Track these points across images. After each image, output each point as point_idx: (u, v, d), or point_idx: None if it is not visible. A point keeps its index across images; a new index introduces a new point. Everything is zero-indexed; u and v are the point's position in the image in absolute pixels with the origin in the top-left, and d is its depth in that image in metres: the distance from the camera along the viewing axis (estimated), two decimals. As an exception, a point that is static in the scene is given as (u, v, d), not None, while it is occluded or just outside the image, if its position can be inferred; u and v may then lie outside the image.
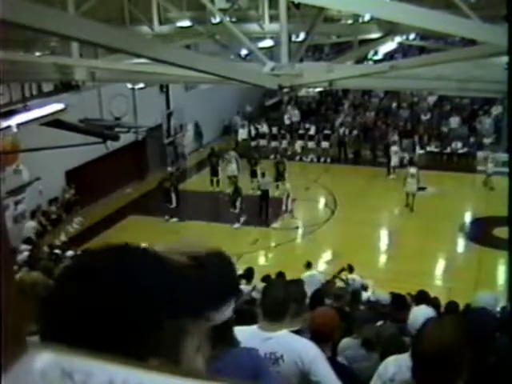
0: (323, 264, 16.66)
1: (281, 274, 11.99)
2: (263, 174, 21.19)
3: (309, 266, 13.97)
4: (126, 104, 17.07)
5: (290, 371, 3.56)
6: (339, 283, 12.52)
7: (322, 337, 4.10)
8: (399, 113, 27.91)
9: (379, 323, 6.94)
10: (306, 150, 26.34)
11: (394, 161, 23.67)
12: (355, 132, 26.52)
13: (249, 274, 12.02)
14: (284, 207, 19.85)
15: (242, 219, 19.49)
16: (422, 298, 9.20)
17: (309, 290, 10.03)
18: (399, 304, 8.28)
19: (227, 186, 21.60)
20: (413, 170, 21.25)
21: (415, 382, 2.56)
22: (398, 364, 3.59)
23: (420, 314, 5.79)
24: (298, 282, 9.72)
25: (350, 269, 13.43)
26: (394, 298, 9.05)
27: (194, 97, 24.64)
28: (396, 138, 25.15)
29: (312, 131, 26.61)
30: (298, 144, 26.36)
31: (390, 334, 5.67)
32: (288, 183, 20.45)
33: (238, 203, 19.51)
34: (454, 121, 26.53)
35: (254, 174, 22.28)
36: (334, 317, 4.38)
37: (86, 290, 0.84)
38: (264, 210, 20.18)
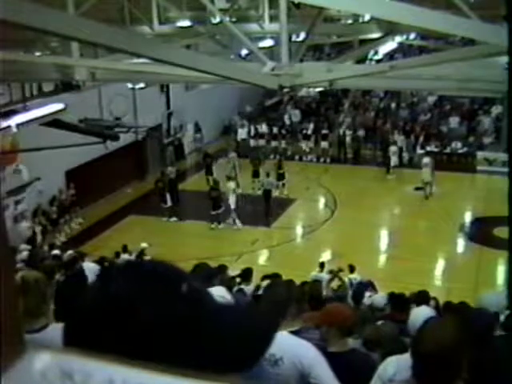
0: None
1: (276, 276, 11.96)
2: (267, 174, 21.19)
3: (322, 266, 13.94)
4: (126, 104, 17.08)
5: (290, 373, 3.55)
6: (337, 282, 12.51)
7: (342, 331, 4.13)
8: (399, 113, 27.91)
9: (380, 323, 6.93)
10: (305, 150, 26.36)
11: (394, 160, 23.70)
12: (356, 132, 26.51)
13: (247, 275, 12.00)
14: (232, 206, 19.65)
15: (216, 222, 19.57)
16: (422, 298, 9.18)
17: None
18: (399, 304, 8.26)
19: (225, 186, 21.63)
20: (426, 159, 22.20)
21: (416, 381, 2.56)
22: (397, 364, 3.59)
23: (420, 314, 5.79)
24: (293, 283, 9.68)
25: (351, 269, 13.41)
26: (394, 298, 9.03)
27: (194, 97, 24.64)
28: (396, 137, 25.16)
29: (312, 131, 26.59)
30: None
31: (391, 334, 5.66)
32: (232, 182, 20.48)
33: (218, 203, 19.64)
34: (454, 121, 26.54)
35: (256, 175, 22.26)
36: (349, 311, 4.43)
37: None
38: (266, 209, 20.24)
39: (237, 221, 19.48)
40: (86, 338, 0.84)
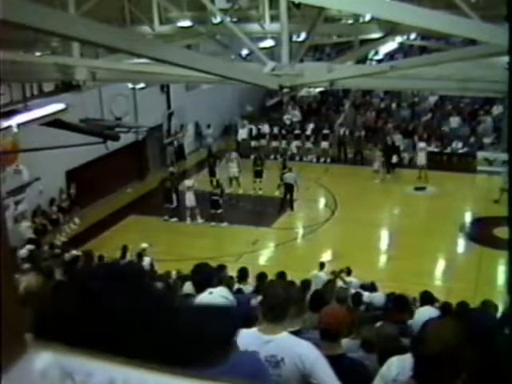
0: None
1: (282, 274, 11.98)
2: (286, 168, 21.49)
3: (322, 266, 13.94)
4: (126, 104, 17.04)
5: (291, 374, 3.54)
6: (340, 283, 12.51)
7: (331, 335, 4.09)
8: (400, 113, 27.90)
9: (378, 324, 6.92)
10: (305, 150, 26.35)
11: (377, 165, 23.30)
12: (357, 132, 26.45)
13: (243, 274, 12.01)
14: (188, 203, 19.94)
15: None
16: (427, 298, 9.17)
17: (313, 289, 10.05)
18: (399, 305, 8.25)
19: (227, 187, 21.62)
20: (422, 144, 23.24)
21: (416, 381, 2.56)
22: (401, 364, 3.59)
23: (425, 314, 5.78)
24: (294, 284, 9.71)
25: (348, 272, 13.43)
26: (393, 298, 9.02)
27: (194, 97, 24.64)
28: (394, 137, 25.03)
29: (312, 131, 26.58)
30: (294, 144, 26.38)
31: (390, 336, 5.65)
32: (192, 179, 20.67)
33: (221, 202, 19.79)
34: (455, 121, 26.51)
35: (258, 174, 22.33)
36: (343, 315, 4.38)
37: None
38: (288, 201, 20.53)
39: (198, 217, 19.84)
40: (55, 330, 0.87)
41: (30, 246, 14.42)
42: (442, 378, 2.46)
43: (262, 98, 28.69)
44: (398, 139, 25.00)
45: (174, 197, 20.25)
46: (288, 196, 20.59)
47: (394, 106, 28.25)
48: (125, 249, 14.87)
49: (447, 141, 25.61)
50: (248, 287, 11.34)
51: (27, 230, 16.99)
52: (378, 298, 10.29)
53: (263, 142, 27.11)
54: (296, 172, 21.62)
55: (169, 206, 20.21)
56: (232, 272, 12.08)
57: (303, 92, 10.56)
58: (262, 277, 11.52)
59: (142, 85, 13.60)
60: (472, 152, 24.76)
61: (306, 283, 11.53)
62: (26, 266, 11.07)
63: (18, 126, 10.99)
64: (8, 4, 3.22)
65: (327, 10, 8.39)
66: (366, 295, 10.69)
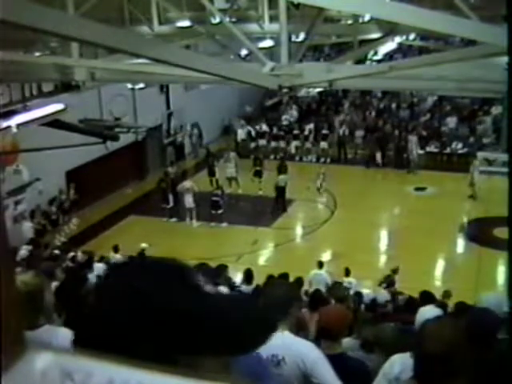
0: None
1: (284, 276, 11.98)
2: (281, 171, 21.47)
3: (321, 265, 13.99)
4: (125, 104, 17.08)
5: (292, 373, 3.54)
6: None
7: (330, 334, 4.09)
8: (399, 113, 27.89)
9: (379, 325, 6.93)
10: (305, 150, 26.34)
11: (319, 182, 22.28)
12: (359, 133, 26.40)
13: (248, 276, 12.00)
14: (187, 205, 19.82)
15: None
16: (426, 297, 9.17)
17: (314, 288, 10.05)
18: (409, 306, 8.22)
19: (226, 187, 21.61)
20: (414, 138, 23.90)
21: (417, 381, 2.56)
22: (403, 362, 3.58)
23: (427, 314, 5.77)
24: (293, 283, 9.71)
25: (347, 272, 13.45)
26: (406, 300, 8.98)
27: (194, 97, 24.64)
28: (410, 138, 24.94)
29: (312, 131, 26.57)
30: (293, 144, 26.33)
31: (391, 336, 5.65)
32: (191, 181, 20.55)
33: (221, 203, 19.79)
34: (454, 121, 26.51)
35: (257, 174, 22.34)
36: (342, 314, 4.37)
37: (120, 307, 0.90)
38: (280, 204, 20.52)
39: (194, 220, 19.76)
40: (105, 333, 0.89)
41: (29, 247, 14.42)
42: (442, 377, 2.45)
43: (261, 98, 28.69)
44: (411, 140, 24.79)
45: (171, 197, 20.24)
46: (279, 198, 20.58)
47: (393, 106, 28.24)
48: (116, 249, 14.87)
49: (447, 141, 25.60)
50: (249, 288, 11.33)
51: (29, 230, 16.99)
52: (381, 295, 10.30)
53: (262, 142, 27.09)
54: (295, 172, 21.55)
55: (165, 206, 20.21)
56: (232, 272, 12.09)
57: (302, 92, 10.57)
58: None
59: (141, 85, 13.59)
60: (472, 152, 24.73)
61: (299, 281, 11.55)
62: (26, 266, 11.07)
63: (18, 126, 10.99)
64: (8, 4, 3.22)
65: (326, 11, 8.39)
66: (367, 293, 10.74)
